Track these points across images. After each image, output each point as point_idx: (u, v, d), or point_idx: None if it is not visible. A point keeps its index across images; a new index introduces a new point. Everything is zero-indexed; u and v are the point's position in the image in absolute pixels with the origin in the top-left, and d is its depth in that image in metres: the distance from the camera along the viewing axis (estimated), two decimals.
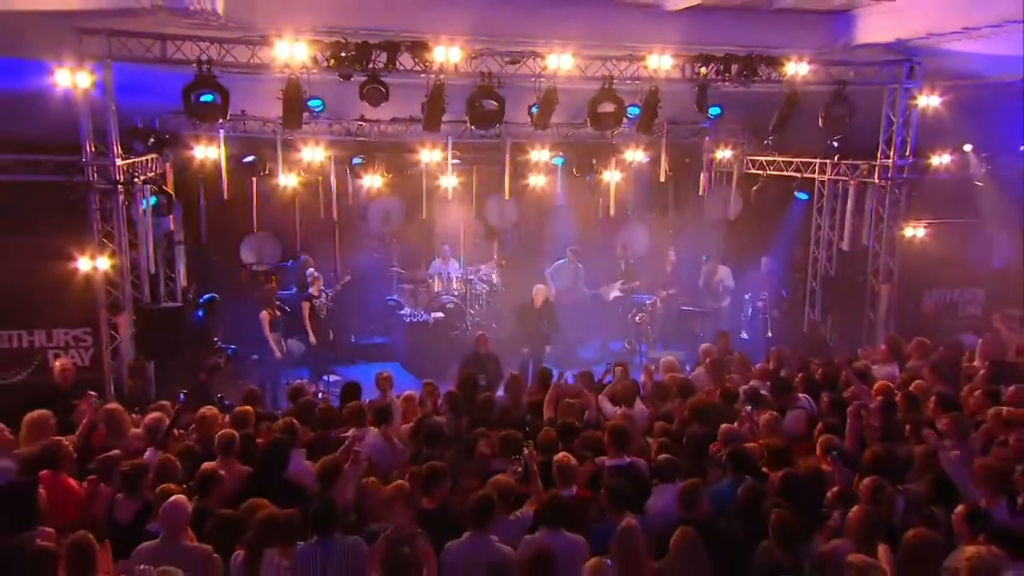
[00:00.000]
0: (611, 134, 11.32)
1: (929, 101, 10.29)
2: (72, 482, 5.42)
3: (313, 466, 5.53)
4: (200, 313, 10.88)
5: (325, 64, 8.55)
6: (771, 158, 12.41)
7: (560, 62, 9.10)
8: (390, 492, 5.04)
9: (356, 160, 12.20)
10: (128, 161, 9.09)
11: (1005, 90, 10.51)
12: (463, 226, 13.91)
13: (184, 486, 5.27)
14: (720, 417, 6.57)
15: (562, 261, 13.17)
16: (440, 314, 12.34)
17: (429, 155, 12.18)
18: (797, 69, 9.61)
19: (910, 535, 4.40)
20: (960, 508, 4.74)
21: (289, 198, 12.42)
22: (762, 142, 12.50)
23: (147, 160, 10.01)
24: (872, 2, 9.42)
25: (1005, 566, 4.21)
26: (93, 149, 8.52)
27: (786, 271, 13.18)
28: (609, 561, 4.26)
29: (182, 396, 6.85)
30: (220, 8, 8.09)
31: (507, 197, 13.01)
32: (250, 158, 11.66)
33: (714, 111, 10.37)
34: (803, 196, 12.41)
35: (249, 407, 6.72)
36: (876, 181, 10.83)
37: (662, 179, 12.78)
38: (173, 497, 4.77)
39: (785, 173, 12.23)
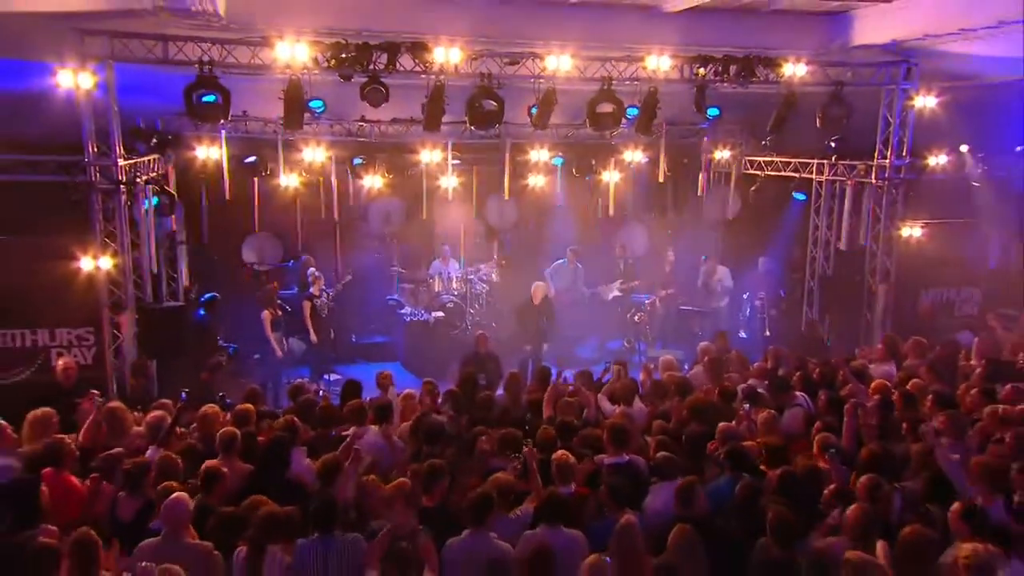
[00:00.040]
0: (610, 134, 11.34)
1: (926, 102, 10.33)
2: (75, 480, 5.44)
3: (314, 464, 5.56)
4: (202, 312, 10.89)
5: (326, 65, 8.58)
6: (769, 158, 12.46)
7: (559, 63, 9.12)
8: (390, 490, 5.06)
9: (357, 160, 12.25)
10: (130, 161, 9.14)
11: (1001, 91, 10.57)
12: (463, 226, 13.95)
13: (186, 484, 5.28)
14: (718, 415, 6.59)
15: (561, 261, 13.19)
16: (440, 314, 12.37)
17: (429, 155, 12.22)
18: (795, 70, 9.64)
19: (906, 532, 4.41)
20: (956, 505, 4.75)
21: (290, 198, 12.45)
22: (760, 142, 12.54)
23: (149, 160, 10.06)
24: (869, 3, 9.46)
25: (1001, 563, 4.23)
26: (96, 149, 8.56)
27: (784, 271, 13.22)
28: (608, 558, 4.28)
29: (184, 395, 6.84)
30: (222, 9, 8.13)
31: (507, 197, 13.03)
32: (252, 158, 11.68)
33: (712, 112, 10.44)
34: (801, 196, 12.44)
35: (250, 405, 6.73)
36: (873, 181, 10.88)
37: (661, 179, 12.80)
38: (175, 495, 4.77)
39: (783, 173, 12.28)
